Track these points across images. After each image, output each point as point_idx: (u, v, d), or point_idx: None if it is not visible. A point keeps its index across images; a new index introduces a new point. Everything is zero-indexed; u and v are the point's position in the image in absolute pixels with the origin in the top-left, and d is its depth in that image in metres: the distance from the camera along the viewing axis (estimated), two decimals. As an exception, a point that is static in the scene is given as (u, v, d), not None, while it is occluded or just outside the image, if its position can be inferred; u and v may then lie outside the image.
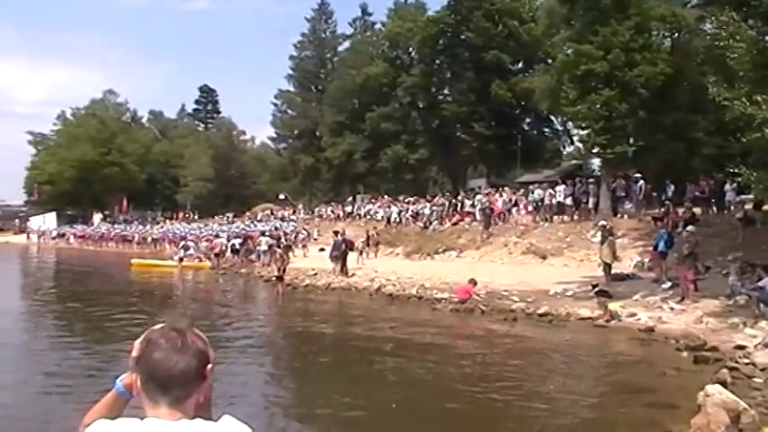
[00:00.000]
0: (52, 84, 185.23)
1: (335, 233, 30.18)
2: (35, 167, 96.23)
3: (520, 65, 55.14)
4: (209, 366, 1.75)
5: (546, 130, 56.17)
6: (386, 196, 48.39)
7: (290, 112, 75.96)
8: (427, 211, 38.02)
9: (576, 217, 30.51)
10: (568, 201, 30.91)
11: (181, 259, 38.57)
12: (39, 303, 23.83)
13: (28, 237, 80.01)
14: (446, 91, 57.97)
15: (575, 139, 48.90)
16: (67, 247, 69.20)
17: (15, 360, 12.77)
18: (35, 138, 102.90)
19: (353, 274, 27.11)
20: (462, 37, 53.09)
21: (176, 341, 1.72)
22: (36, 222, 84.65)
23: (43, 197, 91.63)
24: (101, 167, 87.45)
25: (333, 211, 52.56)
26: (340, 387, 10.56)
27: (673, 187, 28.60)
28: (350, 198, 58.69)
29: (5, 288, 29.83)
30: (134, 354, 1.77)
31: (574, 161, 52.11)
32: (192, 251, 40.96)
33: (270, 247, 33.84)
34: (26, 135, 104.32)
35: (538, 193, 32.59)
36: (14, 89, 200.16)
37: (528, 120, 55.88)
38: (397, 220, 40.41)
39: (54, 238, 77.93)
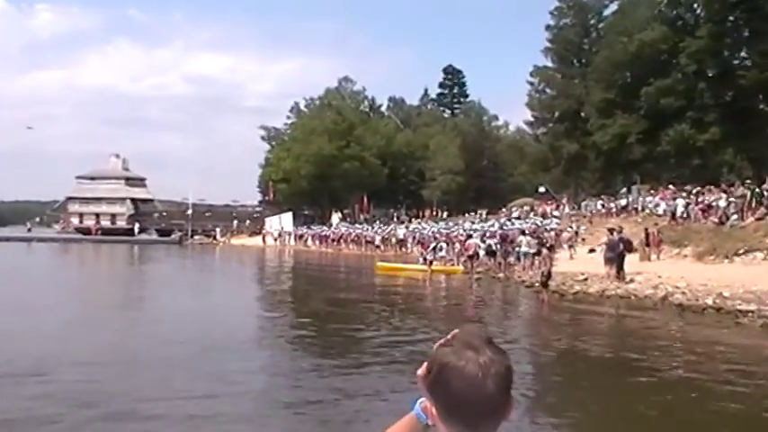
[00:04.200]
0: (284, 74, 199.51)
1: (610, 231, 29.68)
2: (269, 164, 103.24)
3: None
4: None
5: None
6: (669, 186, 47.05)
7: (548, 91, 75.42)
8: (723, 204, 36.10)
9: None
10: None
11: (430, 262, 39.55)
12: (293, 316, 24.63)
13: (264, 239, 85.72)
14: (743, 54, 54.71)
15: None
16: (305, 250, 73.79)
17: (281, 384, 12.82)
18: (268, 133, 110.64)
19: (632, 280, 26.57)
20: (764, -16, 49.80)
21: (475, 362, 1.62)
22: (272, 223, 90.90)
23: (278, 196, 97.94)
24: (339, 162, 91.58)
25: (603, 206, 52.21)
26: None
27: None
28: (624, 189, 57.60)
29: (254, 297, 32.50)
30: (423, 376, 1.71)
31: None
32: (443, 253, 42.11)
33: (534, 248, 33.96)
34: (259, 130, 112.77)
35: None
36: (247, 83, 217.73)
37: None
38: (684, 214, 38.85)
39: (278, 237, 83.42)
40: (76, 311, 23.38)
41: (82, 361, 13.83)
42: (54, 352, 14.62)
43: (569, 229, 44.10)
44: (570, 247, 39.44)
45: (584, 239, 41.99)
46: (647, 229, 34.58)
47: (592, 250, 35.29)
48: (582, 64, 72.10)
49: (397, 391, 11.12)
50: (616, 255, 27.49)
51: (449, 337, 1.73)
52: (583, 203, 58.92)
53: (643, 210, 45.59)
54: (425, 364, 1.70)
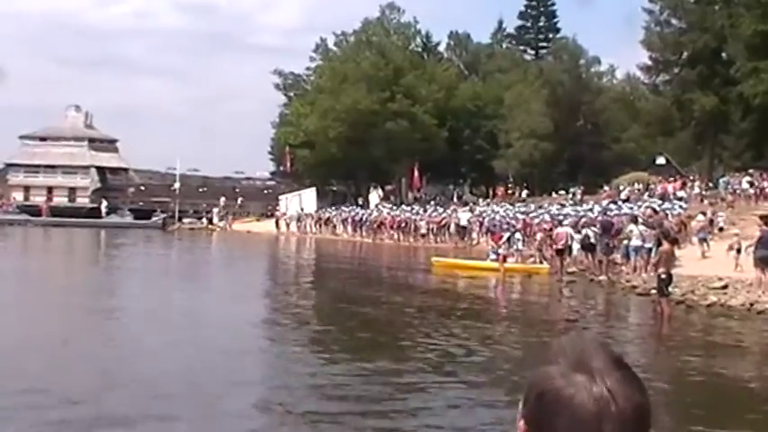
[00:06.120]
0: (307, 2, 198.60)
1: (763, 220, 28.80)
2: (286, 123, 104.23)
3: None
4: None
5: None
6: None
7: (674, 21, 75.02)
8: None
9: None
10: None
11: (504, 258, 39.48)
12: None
13: (277, 224, 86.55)
14: None
15: None
16: (333, 240, 74.11)
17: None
18: (285, 80, 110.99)
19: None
20: None
21: (589, 392, 1.54)
22: (288, 203, 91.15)
23: (298, 167, 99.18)
24: (381, 121, 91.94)
25: (753, 185, 52.40)
26: None
27: None
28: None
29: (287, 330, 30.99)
30: (525, 413, 1.63)
31: None
32: (520, 245, 42.52)
33: (650, 241, 33.24)
34: (272, 76, 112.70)
35: None
36: (256, 12, 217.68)
37: None
38: None
39: (297, 222, 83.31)
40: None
41: None
42: None
43: (701, 217, 43.28)
44: (702, 240, 38.68)
45: (722, 230, 41.63)
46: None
47: (732, 247, 34.20)
48: (726, -18, 71.57)
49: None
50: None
51: (554, 347, 1.67)
52: (721, 180, 59.27)
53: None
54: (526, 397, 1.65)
